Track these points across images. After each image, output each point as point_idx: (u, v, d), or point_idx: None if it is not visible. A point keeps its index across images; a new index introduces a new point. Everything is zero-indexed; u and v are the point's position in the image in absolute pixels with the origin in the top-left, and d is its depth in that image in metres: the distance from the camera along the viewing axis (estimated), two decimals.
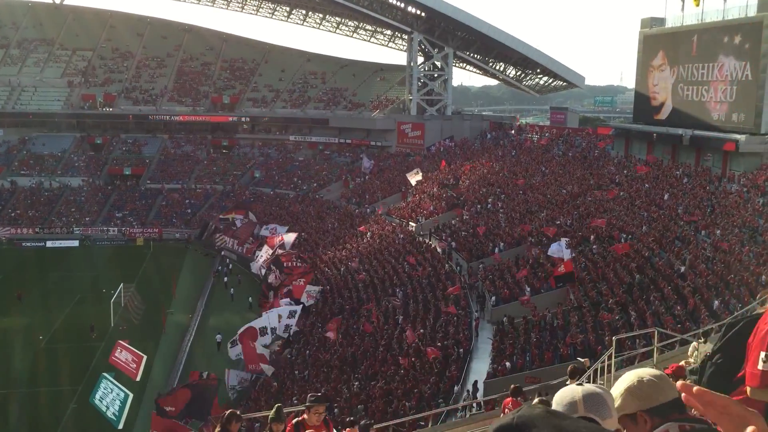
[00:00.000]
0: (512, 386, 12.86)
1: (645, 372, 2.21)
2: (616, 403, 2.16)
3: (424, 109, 74.69)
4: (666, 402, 2.15)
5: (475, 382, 26.17)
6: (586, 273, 32.79)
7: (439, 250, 43.73)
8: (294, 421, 6.86)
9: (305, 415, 6.75)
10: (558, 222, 40.30)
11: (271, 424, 7.48)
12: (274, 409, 7.67)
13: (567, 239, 34.18)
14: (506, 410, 13.27)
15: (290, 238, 49.07)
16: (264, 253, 48.79)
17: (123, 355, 29.03)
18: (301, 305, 38.83)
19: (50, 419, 30.35)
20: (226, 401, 29.18)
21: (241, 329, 34.25)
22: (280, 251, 47.32)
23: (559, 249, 32.78)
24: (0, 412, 31.00)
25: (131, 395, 26.22)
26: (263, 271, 48.06)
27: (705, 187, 38.63)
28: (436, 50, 74.14)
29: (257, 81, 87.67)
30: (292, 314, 35.97)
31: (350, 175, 69.35)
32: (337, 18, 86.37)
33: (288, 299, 40.00)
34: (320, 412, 6.70)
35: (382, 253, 45.74)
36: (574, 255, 33.14)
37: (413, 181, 57.14)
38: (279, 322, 34.87)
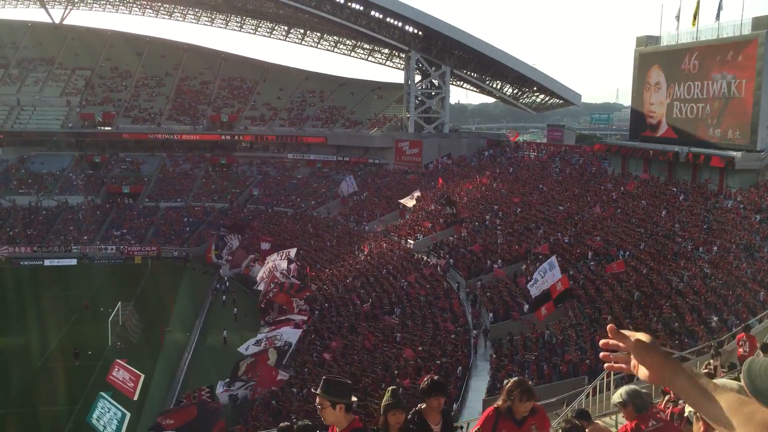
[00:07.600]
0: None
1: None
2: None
3: (421, 127, 75.00)
4: None
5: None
6: (583, 291, 32.79)
7: (438, 268, 43.69)
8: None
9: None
10: (552, 239, 40.32)
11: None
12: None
13: (557, 257, 32.91)
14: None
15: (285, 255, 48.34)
16: (264, 270, 48.35)
17: (120, 374, 28.91)
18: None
19: None
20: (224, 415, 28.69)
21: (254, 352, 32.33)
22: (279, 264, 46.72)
23: (551, 275, 31.01)
24: None
25: (129, 414, 26.10)
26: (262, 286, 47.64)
27: (702, 204, 38.78)
28: (433, 68, 74.60)
29: (256, 99, 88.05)
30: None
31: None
32: (335, 37, 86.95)
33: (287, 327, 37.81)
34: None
35: (380, 271, 45.72)
36: (565, 273, 32.21)
37: (408, 205, 57.51)
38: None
